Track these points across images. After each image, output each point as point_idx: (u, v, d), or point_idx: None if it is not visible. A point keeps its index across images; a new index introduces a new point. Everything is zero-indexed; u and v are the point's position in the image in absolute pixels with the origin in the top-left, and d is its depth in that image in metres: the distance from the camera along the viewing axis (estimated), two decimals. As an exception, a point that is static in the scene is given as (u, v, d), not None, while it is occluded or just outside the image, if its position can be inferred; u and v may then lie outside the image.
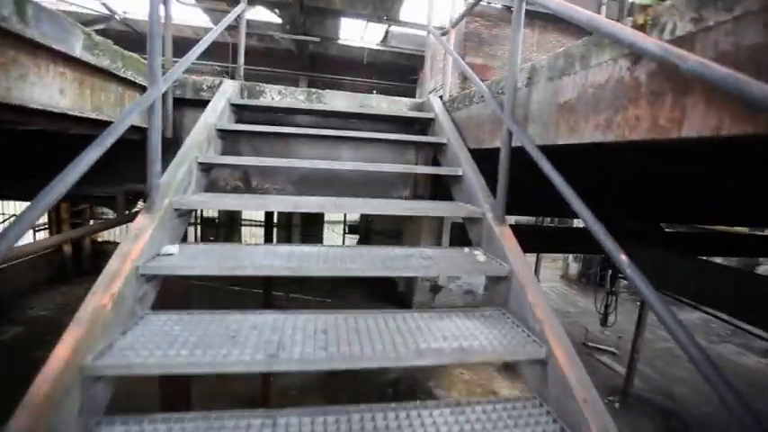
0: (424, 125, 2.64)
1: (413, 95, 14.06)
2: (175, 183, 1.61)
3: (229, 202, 1.83)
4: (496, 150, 1.68)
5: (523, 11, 1.60)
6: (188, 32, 12.21)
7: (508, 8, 9.25)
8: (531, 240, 6.22)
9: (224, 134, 2.18)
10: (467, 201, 2.01)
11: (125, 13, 11.06)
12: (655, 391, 7.14)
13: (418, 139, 2.41)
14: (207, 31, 12.87)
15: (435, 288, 9.07)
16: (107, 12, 10.76)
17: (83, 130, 1.81)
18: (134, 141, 1.97)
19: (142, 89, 1.98)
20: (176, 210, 1.59)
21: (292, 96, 2.52)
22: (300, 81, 13.77)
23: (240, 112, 2.43)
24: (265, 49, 12.78)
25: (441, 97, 2.73)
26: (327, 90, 2.55)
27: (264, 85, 2.51)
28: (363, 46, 12.63)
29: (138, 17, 11.28)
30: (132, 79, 1.92)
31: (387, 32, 12.29)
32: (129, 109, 1.33)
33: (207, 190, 2.04)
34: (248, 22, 11.68)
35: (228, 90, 2.33)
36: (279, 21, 10.67)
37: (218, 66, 13.32)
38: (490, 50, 9.34)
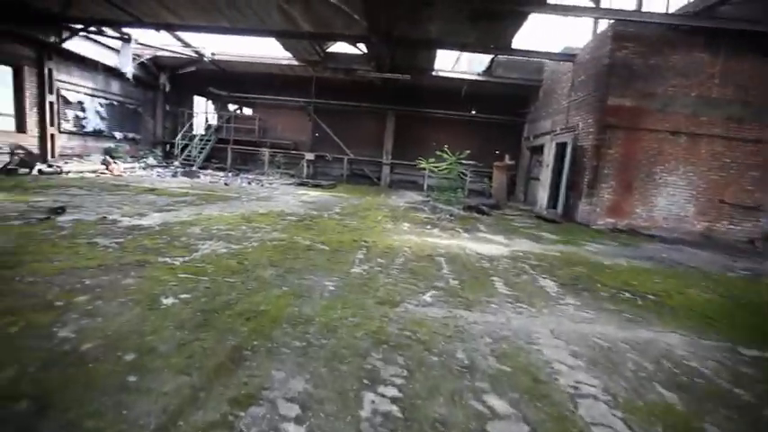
0: None
1: (520, 132, 11.62)
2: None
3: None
4: None
5: None
6: (275, 69, 11.56)
7: (676, 27, 6.45)
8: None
9: None
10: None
11: (213, 54, 10.75)
12: None
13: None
14: (290, 67, 11.69)
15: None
16: (196, 55, 10.52)
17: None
18: None
19: None
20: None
21: None
22: (388, 117, 12.25)
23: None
24: (344, 82, 11.47)
25: None
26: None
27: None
28: (463, 77, 10.62)
29: (224, 57, 10.92)
30: None
31: (492, 60, 10.12)
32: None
33: None
34: (332, 55, 10.53)
35: None
36: (361, 53, 9.24)
37: (303, 101, 12.48)
38: (645, 87, 6.62)
